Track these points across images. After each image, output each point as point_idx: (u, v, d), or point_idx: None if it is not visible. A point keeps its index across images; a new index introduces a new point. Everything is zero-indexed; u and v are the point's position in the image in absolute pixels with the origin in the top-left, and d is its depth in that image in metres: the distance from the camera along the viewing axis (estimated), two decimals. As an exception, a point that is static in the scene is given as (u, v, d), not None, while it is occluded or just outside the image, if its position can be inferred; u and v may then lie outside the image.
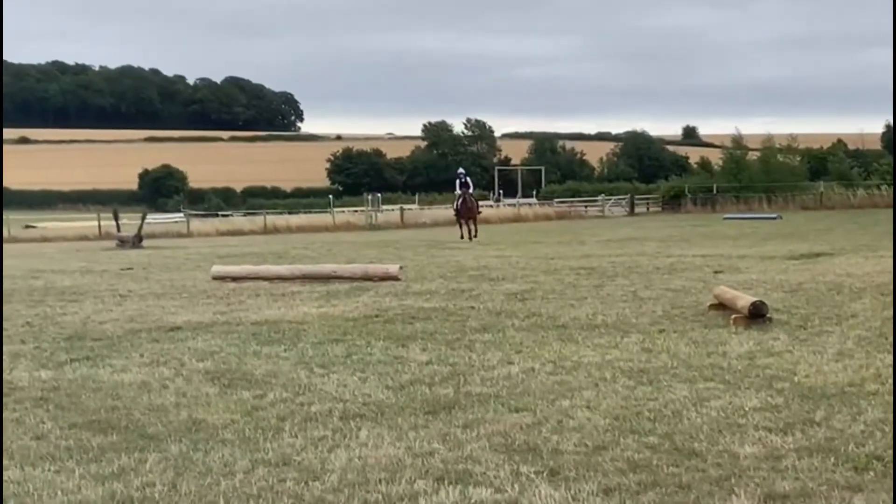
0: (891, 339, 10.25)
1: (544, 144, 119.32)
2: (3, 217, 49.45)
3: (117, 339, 11.69)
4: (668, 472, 5.98)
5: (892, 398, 7.63)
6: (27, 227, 58.60)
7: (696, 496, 5.54)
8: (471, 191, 34.61)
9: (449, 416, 7.47)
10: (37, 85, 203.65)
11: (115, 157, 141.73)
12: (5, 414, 7.79)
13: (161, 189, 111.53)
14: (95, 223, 50.03)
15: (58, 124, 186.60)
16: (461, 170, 36.25)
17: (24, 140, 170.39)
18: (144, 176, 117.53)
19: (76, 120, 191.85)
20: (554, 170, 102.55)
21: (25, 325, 13.14)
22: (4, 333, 12.39)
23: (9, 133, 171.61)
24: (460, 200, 34.09)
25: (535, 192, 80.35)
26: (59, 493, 5.78)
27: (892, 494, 5.52)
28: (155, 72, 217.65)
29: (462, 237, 33.34)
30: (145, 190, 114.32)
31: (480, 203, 39.36)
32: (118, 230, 40.77)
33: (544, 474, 5.96)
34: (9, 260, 27.41)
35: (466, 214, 34.07)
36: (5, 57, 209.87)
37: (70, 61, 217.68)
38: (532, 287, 16.50)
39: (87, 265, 25.53)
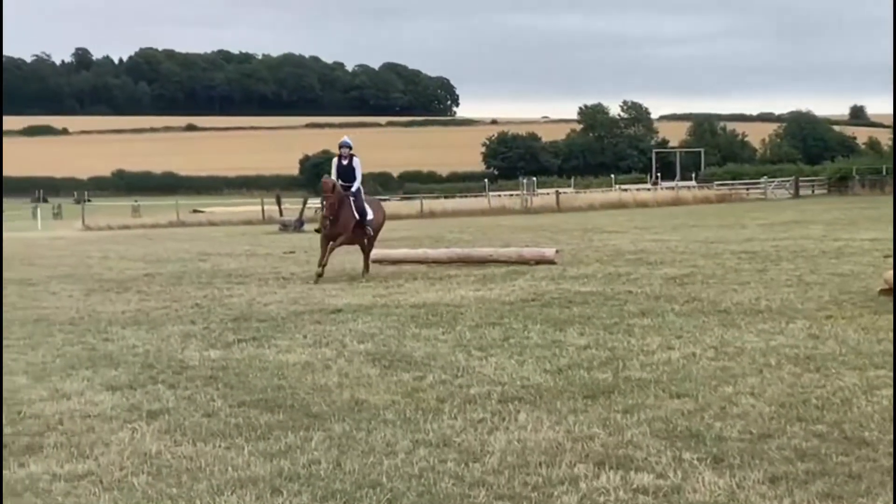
0: None
1: (703, 126, 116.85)
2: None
3: (281, 321, 11.99)
4: (837, 461, 5.81)
5: None
6: (195, 211, 60.63)
7: (867, 486, 5.37)
8: (357, 184, 17.40)
9: (608, 400, 7.42)
10: (203, 74, 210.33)
11: (278, 143, 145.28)
12: (178, 392, 8.09)
13: (321, 174, 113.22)
14: (259, 208, 51.35)
15: (223, 112, 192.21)
16: (345, 138, 17.90)
17: (191, 127, 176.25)
18: (305, 161, 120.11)
19: (240, 107, 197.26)
20: (714, 152, 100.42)
21: (195, 307, 13.60)
22: (176, 314, 12.88)
23: (177, 121, 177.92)
24: (327, 207, 17.08)
25: (693, 175, 78.88)
26: (230, 468, 5.97)
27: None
28: (315, 59, 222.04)
29: (320, 272, 16.92)
30: (306, 175, 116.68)
31: (631, 187, 34.74)
32: (280, 214, 41.81)
33: (708, 461, 5.87)
34: (178, 243, 28.44)
35: (334, 233, 17.18)
36: (175, 46, 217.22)
37: (235, 50, 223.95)
38: (692, 271, 16.22)
39: (251, 248, 26.29)
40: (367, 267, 17.84)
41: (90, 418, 7.24)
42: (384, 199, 70.79)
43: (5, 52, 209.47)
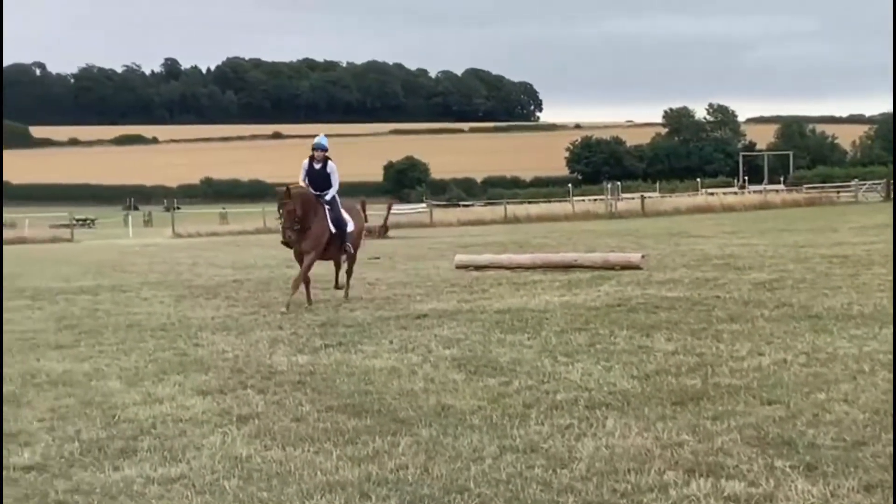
0: None
1: (792, 128, 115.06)
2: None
3: (367, 326, 12.07)
4: (934, 470, 5.66)
5: None
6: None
7: (967, 497, 5.22)
8: (333, 192, 15.01)
9: (697, 406, 7.33)
10: (289, 82, 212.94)
11: (362, 150, 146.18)
12: (267, 396, 8.19)
13: (404, 180, 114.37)
14: (344, 214, 51.63)
15: (308, 119, 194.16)
16: (319, 138, 15.53)
17: (277, 135, 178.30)
18: (389, 168, 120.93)
19: (325, 114, 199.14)
20: (803, 154, 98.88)
21: (283, 312, 13.75)
22: (264, 319, 13.04)
23: (263, 129, 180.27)
24: (286, 215, 14.50)
25: (782, 178, 77.66)
26: (319, 473, 6.03)
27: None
28: (399, 66, 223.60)
29: (287, 306, 14.01)
30: (390, 181, 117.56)
31: (718, 191, 31.99)
32: (365, 220, 42.01)
33: (800, 469, 5.77)
34: (265, 249, 28.78)
35: (304, 247, 14.71)
36: (262, 55, 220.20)
37: (319, 58, 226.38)
38: (781, 276, 15.97)
39: (337, 254, 26.45)
40: (346, 287, 15.55)
41: (182, 422, 7.36)
42: (468, 205, 71.20)
43: (98, 63, 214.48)
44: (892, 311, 11.70)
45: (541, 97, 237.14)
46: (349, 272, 15.83)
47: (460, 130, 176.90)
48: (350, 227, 15.19)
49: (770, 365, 8.77)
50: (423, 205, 64.42)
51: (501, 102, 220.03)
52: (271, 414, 7.55)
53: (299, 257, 14.89)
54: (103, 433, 7.10)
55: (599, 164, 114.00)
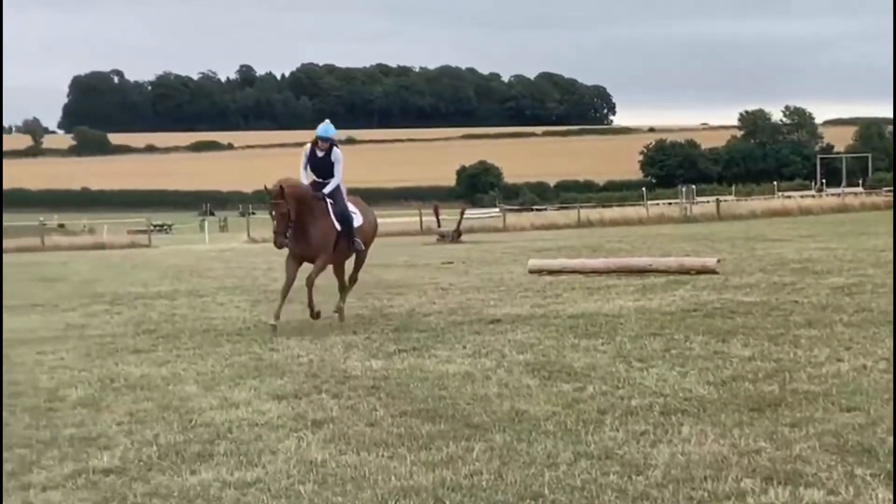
0: None
1: (871, 130, 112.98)
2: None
3: (441, 331, 12.08)
4: None
5: None
6: (354, 223, 61.49)
7: None
8: (335, 183, 13.23)
9: (775, 413, 7.22)
10: (362, 87, 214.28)
11: (435, 155, 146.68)
12: (342, 401, 8.23)
13: (477, 185, 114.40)
14: (417, 219, 51.91)
15: (381, 124, 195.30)
16: (325, 126, 13.57)
17: (350, 140, 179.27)
18: (462, 172, 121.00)
19: (398, 119, 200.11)
20: (882, 157, 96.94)
21: (356, 317, 13.83)
22: (338, 324, 13.12)
23: (337, 134, 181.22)
24: (277, 218, 12.77)
25: (861, 181, 76.29)
26: (393, 478, 6.05)
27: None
28: (471, 70, 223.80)
29: (277, 317, 12.78)
30: (462, 186, 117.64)
31: (795, 194, 30.17)
32: (438, 225, 42.19)
33: (881, 477, 5.65)
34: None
35: (309, 253, 13.22)
36: (335, 61, 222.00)
37: (393, 63, 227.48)
38: (860, 280, 15.67)
39: (410, 259, 26.57)
40: (343, 297, 13.83)
41: (258, 427, 7.44)
42: (541, 209, 71.00)
43: (175, 71, 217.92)
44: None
45: (614, 100, 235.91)
46: (353, 279, 14.09)
47: (533, 134, 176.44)
48: (358, 221, 13.54)
49: (849, 371, 8.61)
50: (496, 209, 64.36)
51: (574, 106, 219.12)
52: (346, 418, 7.59)
53: (294, 265, 13.16)
54: (180, 437, 7.19)
55: (674, 167, 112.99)
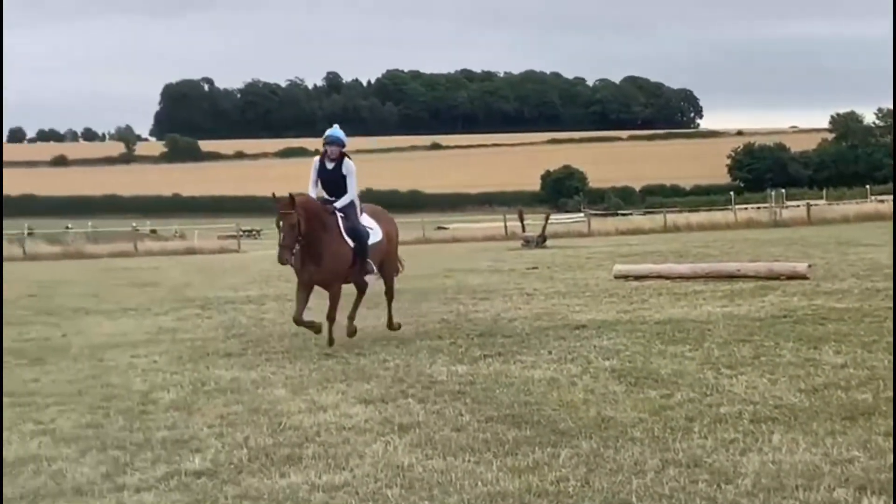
0: None
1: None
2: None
3: (526, 336, 12.06)
4: None
5: None
6: (439, 228, 61.90)
7: None
8: (348, 199, 12.04)
9: (868, 422, 7.08)
10: (447, 93, 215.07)
11: (519, 160, 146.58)
12: (428, 406, 8.27)
13: (562, 189, 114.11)
14: (501, 224, 51.90)
15: (466, 129, 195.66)
16: (334, 129, 12.17)
17: (435, 146, 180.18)
18: (546, 177, 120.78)
19: (483, 125, 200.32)
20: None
21: (441, 322, 13.88)
22: (423, 329, 13.17)
23: (422, 140, 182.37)
24: (286, 230, 11.42)
25: (957, 184, 74.22)
26: (479, 483, 6.05)
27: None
28: (556, 75, 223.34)
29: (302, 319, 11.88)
30: (547, 190, 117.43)
31: (888, 197, 29.30)
32: (523, 230, 42.13)
33: (980, 490, 5.51)
34: (424, 259, 29.07)
35: (320, 278, 11.89)
36: (420, 67, 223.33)
37: (477, 69, 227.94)
38: (958, 286, 15.27)
39: (494, 264, 26.59)
40: (390, 319, 12.69)
41: (345, 430, 7.50)
42: (626, 214, 70.41)
43: (264, 79, 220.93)
44: None
45: (701, 103, 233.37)
46: (390, 300, 12.77)
47: (618, 139, 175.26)
48: (376, 238, 12.00)
49: (947, 380, 8.40)
50: (581, 214, 64.02)
51: (660, 110, 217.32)
52: (432, 423, 7.62)
53: (305, 288, 11.81)
54: (270, 440, 7.29)
55: (762, 171, 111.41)
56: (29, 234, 52.06)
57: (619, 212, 77.37)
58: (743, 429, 7.05)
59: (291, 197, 11.34)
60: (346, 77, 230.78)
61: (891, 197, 65.65)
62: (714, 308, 13.97)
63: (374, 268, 12.12)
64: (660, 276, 18.70)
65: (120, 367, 10.95)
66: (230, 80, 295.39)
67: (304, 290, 11.81)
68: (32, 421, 8.18)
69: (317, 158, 12.07)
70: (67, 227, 62.82)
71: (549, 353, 10.73)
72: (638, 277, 18.84)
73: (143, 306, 18.00)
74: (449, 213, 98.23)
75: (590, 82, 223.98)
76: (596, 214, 64.87)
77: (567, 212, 79.79)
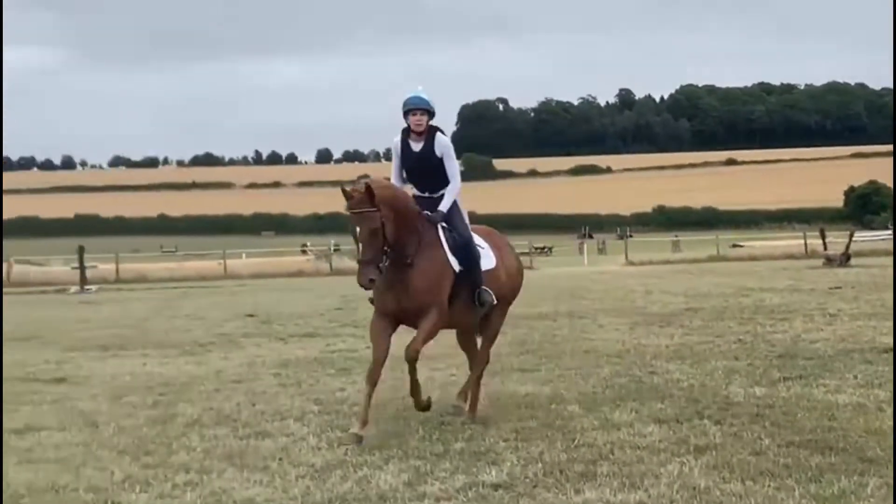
0: None
1: None
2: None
3: (829, 359, 11.56)
4: None
5: None
6: (734, 245, 60.32)
7: None
8: (452, 194, 8.59)
9: None
10: (743, 107, 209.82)
11: (820, 175, 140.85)
12: (724, 427, 8.08)
13: (868, 205, 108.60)
14: (801, 241, 50.02)
15: (763, 144, 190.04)
16: (416, 91, 8.50)
17: (730, 161, 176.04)
18: (850, 193, 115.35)
19: (781, 139, 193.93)
20: None
21: (738, 342, 13.51)
22: (719, 349, 12.88)
23: (716, 156, 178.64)
24: (366, 237, 7.83)
25: None
26: (780, 509, 5.86)
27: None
28: (862, 86, 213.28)
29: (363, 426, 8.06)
30: (851, 207, 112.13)
31: None
32: (825, 248, 40.44)
33: None
34: (718, 278, 28.42)
35: (409, 307, 8.25)
36: (715, 82, 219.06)
37: (776, 81, 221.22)
38: None
39: (794, 283, 25.64)
40: (474, 396, 9.02)
41: (639, 449, 7.44)
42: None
43: (556, 97, 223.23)
44: None
45: None
46: (483, 357, 9.22)
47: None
48: (490, 263, 8.71)
49: None
50: (888, 231, 60.62)
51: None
52: (729, 446, 7.44)
53: (389, 323, 8.40)
54: (564, 455, 7.33)
55: None
56: (335, 250, 54.75)
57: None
58: None
59: (369, 189, 7.85)
60: (639, 93, 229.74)
61: None
62: None
63: (491, 295, 8.56)
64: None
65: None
66: (524, 99, 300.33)
67: (384, 328, 8.38)
68: (339, 428, 8.58)
69: (397, 139, 8.70)
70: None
71: (855, 377, 10.24)
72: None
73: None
74: (744, 231, 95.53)
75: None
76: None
77: (873, 229, 75.79)
